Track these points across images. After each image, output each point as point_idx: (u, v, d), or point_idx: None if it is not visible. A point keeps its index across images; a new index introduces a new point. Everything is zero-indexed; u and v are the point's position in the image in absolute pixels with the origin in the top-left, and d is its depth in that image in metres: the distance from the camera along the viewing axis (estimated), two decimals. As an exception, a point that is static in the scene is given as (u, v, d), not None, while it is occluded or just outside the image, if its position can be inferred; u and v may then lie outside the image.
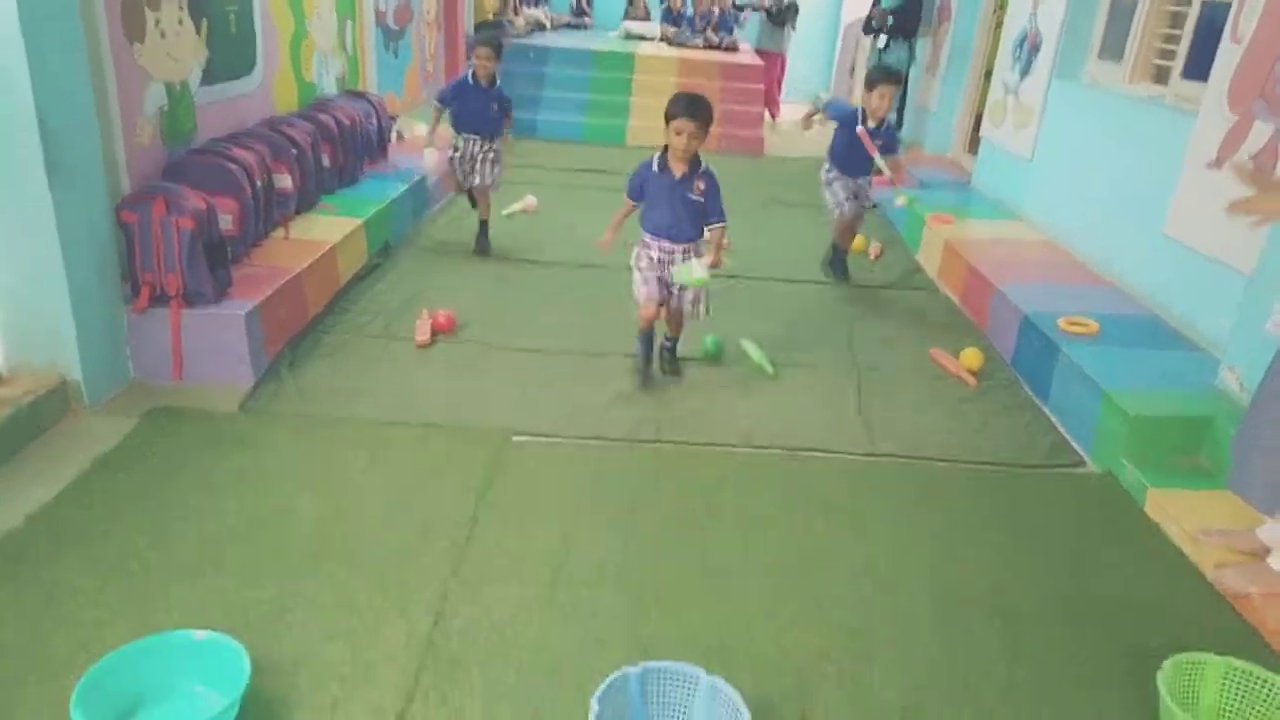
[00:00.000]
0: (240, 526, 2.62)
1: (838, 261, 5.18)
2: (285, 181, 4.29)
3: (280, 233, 4.27)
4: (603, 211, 6.20)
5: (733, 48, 10.46)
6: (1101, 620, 2.52)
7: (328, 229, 4.47)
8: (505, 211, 5.95)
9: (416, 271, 4.80)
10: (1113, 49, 5.32)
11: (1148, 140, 4.55)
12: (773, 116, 10.60)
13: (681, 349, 3.92)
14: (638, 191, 3.60)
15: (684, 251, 3.55)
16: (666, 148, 3.48)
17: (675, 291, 3.63)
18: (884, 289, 5.16)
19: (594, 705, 1.88)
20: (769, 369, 3.91)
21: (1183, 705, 2.06)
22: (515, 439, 3.22)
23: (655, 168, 3.50)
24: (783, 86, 10.88)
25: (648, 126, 8.81)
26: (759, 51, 10.41)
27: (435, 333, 3.99)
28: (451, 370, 3.72)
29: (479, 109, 4.93)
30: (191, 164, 3.75)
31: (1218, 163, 3.89)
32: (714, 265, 3.47)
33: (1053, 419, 3.69)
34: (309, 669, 2.14)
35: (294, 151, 4.40)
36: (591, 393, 3.60)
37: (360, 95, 5.78)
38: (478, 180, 5.07)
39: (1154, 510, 3.03)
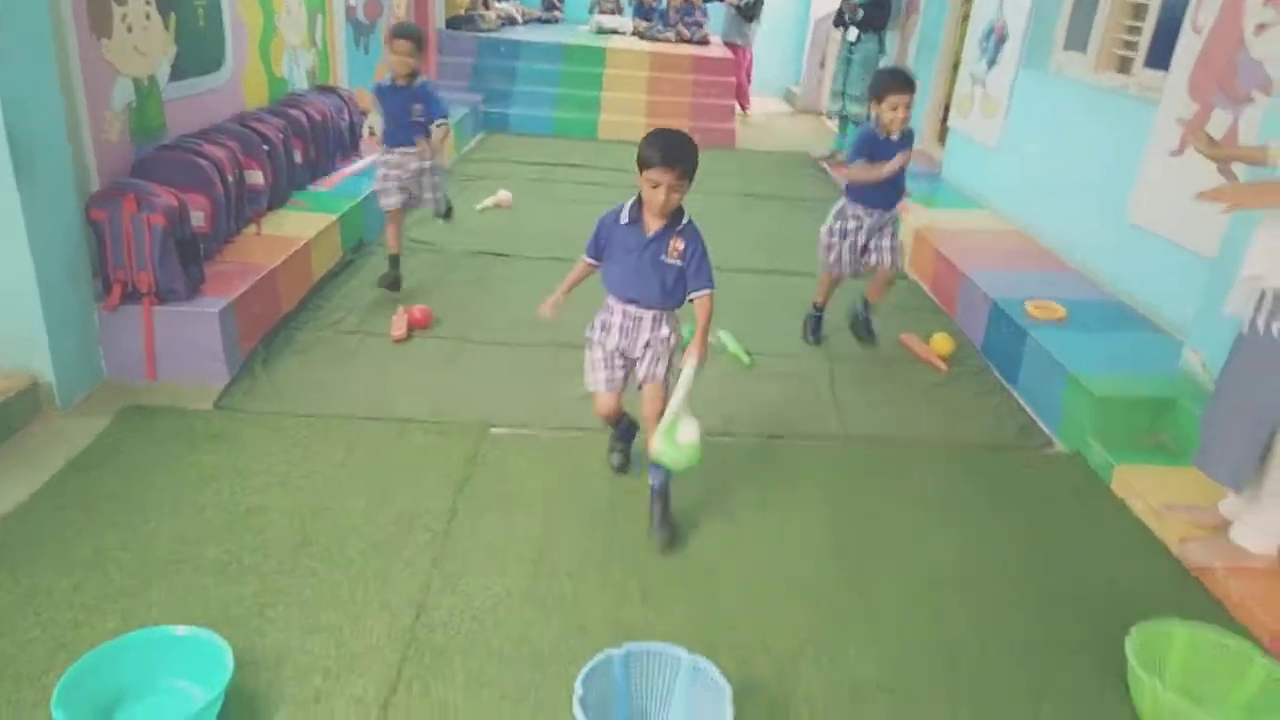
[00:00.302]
0: (218, 524, 2.62)
1: (864, 325, 4.27)
2: (257, 177, 4.26)
3: (252, 229, 4.24)
4: (576, 206, 6.25)
5: (704, 41, 10.49)
6: (1071, 595, 2.59)
7: (300, 225, 4.45)
8: (478, 206, 5.96)
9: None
10: (1078, 39, 5.40)
11: (1112, 129, 4.63)
12: (743, 109, 10.64)
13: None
14: (598, 249, 2.73)
15: (655, 319, 2.71)
16: (640, 197, 2.63)
17: (645, 368, 2.74)
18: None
19: (578, 688, 1.90)
20: (745, 359, 3.94)
21: (1150, 671, 2.13)
22: (493, 431, 3.23)
23: (624, 219, 2.65)
24: (751, 79, 10.93)
25: (619, 121, 8.82)
26: (728, 45, 10.46)
27: (411, 328, 3.98)
28: (428, 365, 3.72)
29: (399, 114, 4.09)
30: (161, 160, 3.72)
31: (1180, 150, 3.97)
32: (699, 358, 2.54)
33: (1021, 402, 3.76)
34: (291, 663, 2.15)
35: (265, 147, 4.37)
36: (568, 384, 3.61)
37: (331, 90, 5.74)
38: (424, 202, 4.34)
39: (1120, 488, 3.10)
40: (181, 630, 2.07)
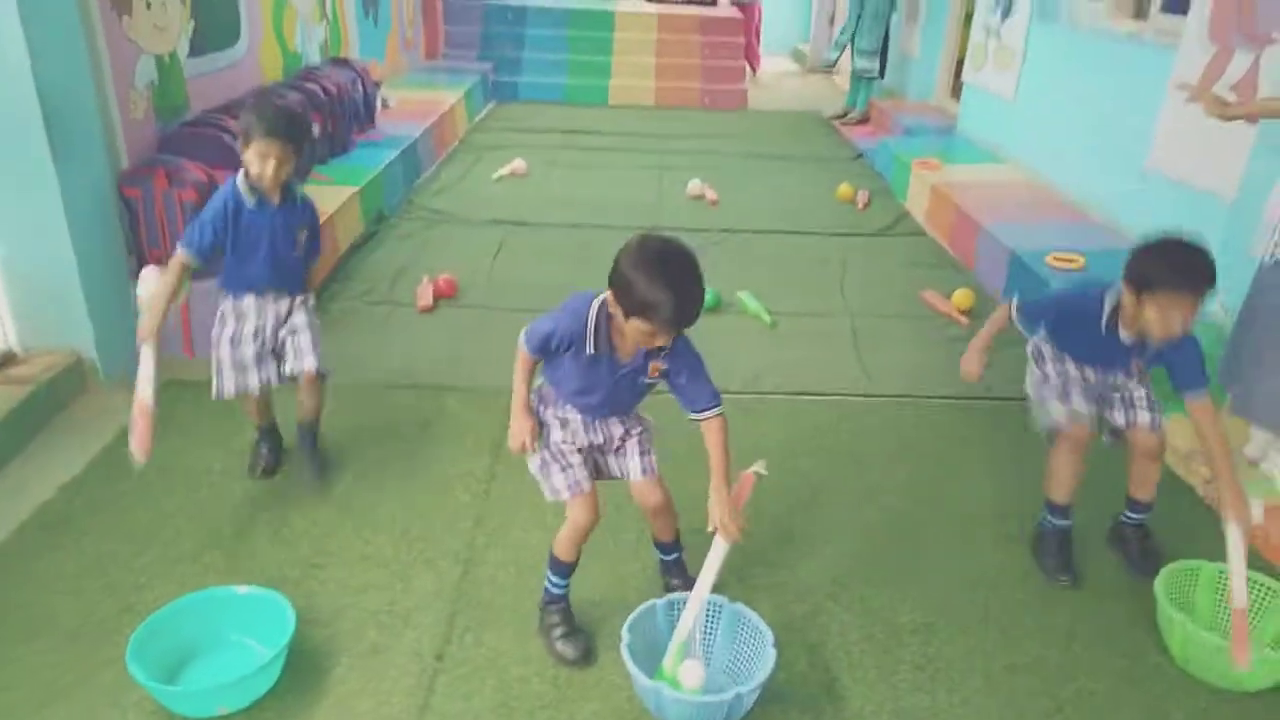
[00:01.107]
0: (266, 491, 2.70)
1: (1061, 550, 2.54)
2: (278, 153, 4.29)
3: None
4: (590, 172, 6.27)
5: (711, 2, 10.39)
6: (1100, 538, 2.64)
7: (323, 198, 4.48)
8: (495, 175, 5.99)
9: (413, 238, 4.83)
10: (1092, -14, 5.34)
11: (1129, 76, 4.61)
12: (753, 70, 10.56)
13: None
14: (542, 347, 2.06)
15: (626, 429, 2.18)
16: (601, 317, 1.98)
17: (635, 463, 2.18)
18: (873, 236, 5.23)
19: (624, 634, 1.98)
20: (766, 318, 3.99)
21: (1179, 608, 2.19)
22: (525, 395, 3.29)
23: (589, 345, 1.98)
24: (760, 37, 10.83)
25: (630, 85, 8.80)
26: (735, 4, 10.35)
27: (437, 298, 4.04)
28: (456, 334, 3.78)
29: (266, 247, 2.54)
30: (187, 137, 3.76)
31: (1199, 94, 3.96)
32: (731, 531, 1.99)
33: (1044, 353, 3.79)
34: (347, 618, 2.24)
35: (284, 122, 4.39)
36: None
37: (345, 63, 5.76)
38: (290, 364, 2.63)
39: (1145, 435, 3.14)
40: (243, 589, 2.16)
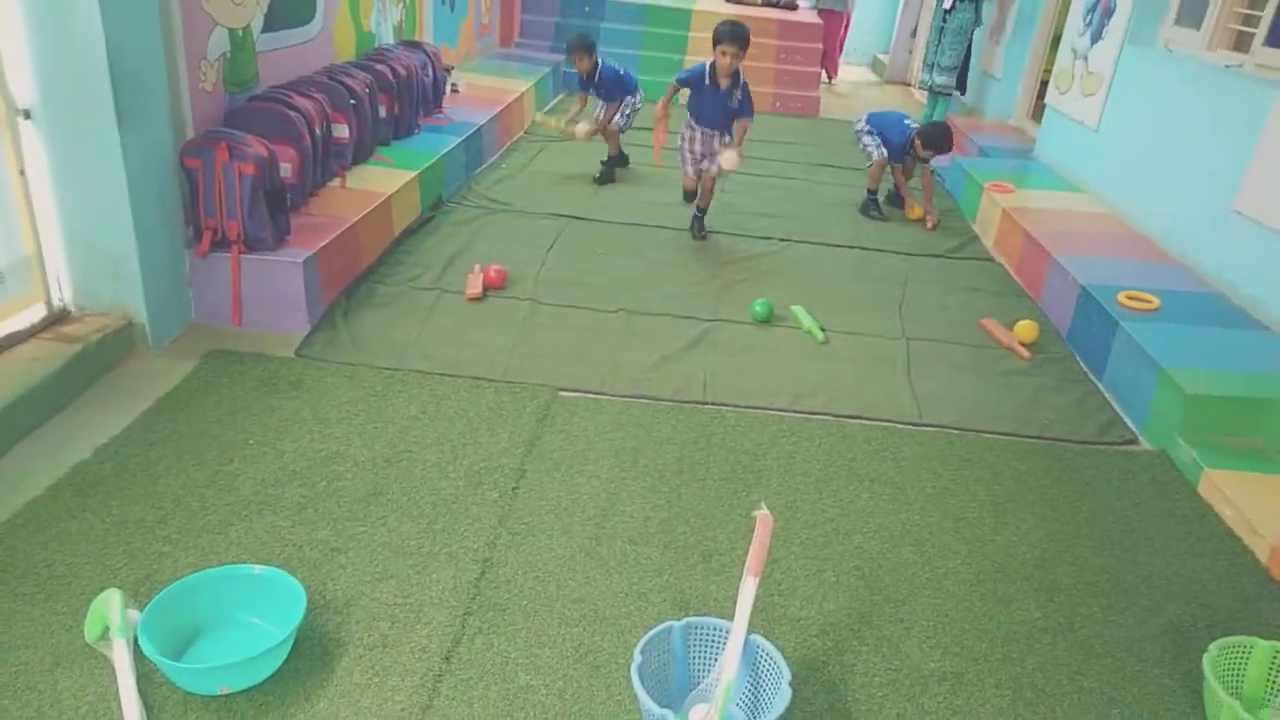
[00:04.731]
0: (296, 468, 2.70)
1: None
2: (343, 131, 4.32)
3: (337, 182, 4.31)
4: (658, 171, 6.20)
5: (791, 6, 10.23)
6: (1147, 599, 2.50)
7: (383, 180, 4.51)
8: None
9: (468, 226, 4.82)
10: (1192, 14, 5.10)
11: (1224, 111, 4.38)
12: (829, 78, 10.38)
13: (734, 314, 3.92)
14: (685, 82, 4.65)
15: (719, 136, 4.73)
16: (714, 63, 4.47)
17: (706, 167, 4.78)
18: (938, 257, 5.07)
19: (636, 655, 1.92)
20: (819, 335, 3.88)
21: (1227, 689, 2.04)
22: (563, 394, 3.25)
23: (706, 79, 4.52)
24: (844, 46, 10.62)
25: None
26: (822, 11, 10.17)
27: (486, 288, 4.02)
28: (502, 325, 3.75)
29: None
30: (253, 111, 3.79)
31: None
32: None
33: (1107, 395, 3.62)
34: (360, 608, 2.21)
35: (352, 101, 4.43)
36: (640, 352, 3.62)
37: (417, 45, 5.78)
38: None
39: (1208, 492, 2.97)
40: (258, 569, 2.15)
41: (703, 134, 4.76)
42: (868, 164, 5.66)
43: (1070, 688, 2.19)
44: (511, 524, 2.56)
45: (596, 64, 5.57)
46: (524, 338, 3.65)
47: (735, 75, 4.51)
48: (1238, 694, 2.11)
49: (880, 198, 5.69)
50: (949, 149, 5.45)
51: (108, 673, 1.94)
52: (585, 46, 5.52)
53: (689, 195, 5.06)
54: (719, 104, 4.60)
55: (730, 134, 4.70)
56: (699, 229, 4.94)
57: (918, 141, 5.40)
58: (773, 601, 2.36)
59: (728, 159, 4.54)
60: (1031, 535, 2.73)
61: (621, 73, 5.72)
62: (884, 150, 5.54)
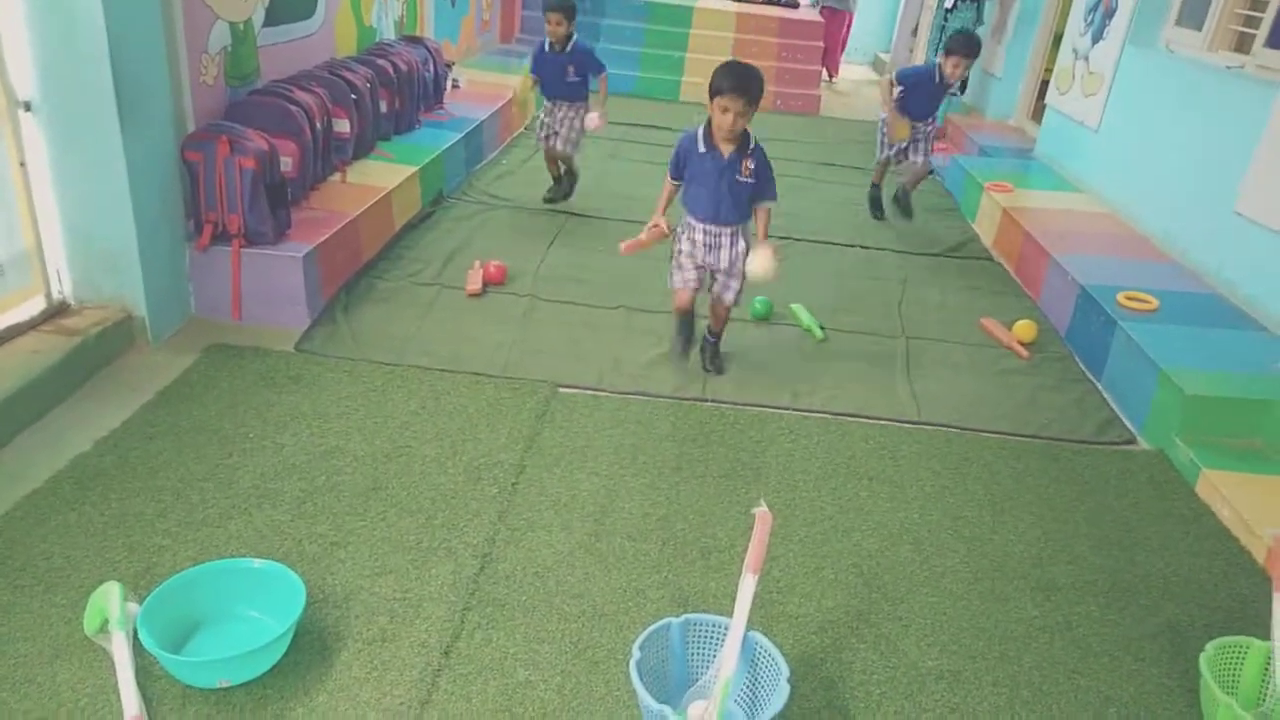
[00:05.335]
0: (296, 463, 2.70)
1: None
2: (343, 126, 4.32)
3: (337, 177, 4.31)
4: (654, 168, 6.20)
5: (792, 4, 10.23)
6: (1144, 598, 2.51)
7: (383, 175, 4.51)
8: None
9: (469, 222, 4.82)
10: (1193, 14, 5.10)
11: (1225, 112, 4.38)
12: (830, 76, 10.37)
13: (734, 312, 3.90)
14: (680, 170, 3.24)
15: (731, 234, 3.22)
16: (709, 123, 3.10)
17: (719, 278, 3.32)
18: (937, 256, 5.07)
19: (635, 651, 1.92)
20: (818, 333, 3.89)
21: (1224, 688, 2.05)
22: (562, 391, 3.26)
23: (701, 146, 3.13)
24: (845, 44, 10.61)
25: (702, 84, 8.68)
26: (824, 9, 10.16)
27: (486, 283, 4.02)
28: (502, 321, 3.75)
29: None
30: (253, 105, 3.79)
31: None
32: (753, 568, 2.09)
33: (1105, 395, 3.63)
34: (359, 602, 2.22)
35: (353, 96, 4.42)
36: (640, 349, 3.62)
37: (418, 41, 5.77)
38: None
39: (1205, 492, 2.98)
40: (258, 563, 2.15)
41: (705, 233, 3.23)
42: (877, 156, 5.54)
43: (1067, 686, 2.19)
44: (511, 520, 2.56)
45: (572, 34, 4.83)
46: (524, 334, 3.66)
47: (744, 138, 3.13)
48: (1234, 693, 2.11)
49: (885, 198, 5.59)
50: (977, 52, 5.14)
51: (107, 665, 1.95)
52: (566, 8, 4.73)
53: (682, 317, 3.44)
54: (723, 181, 3.12)
55: (745, 226, 3.27)
56: (713, 358, 3.49)
57: (945, 63, 5.06)
58: (771, 598, 2.36)
59: (759, 262, 3.11)
60: (1029, 534, 2.73)
61: (594, 52, 5.06)
62: (889, 150, 5.38)
